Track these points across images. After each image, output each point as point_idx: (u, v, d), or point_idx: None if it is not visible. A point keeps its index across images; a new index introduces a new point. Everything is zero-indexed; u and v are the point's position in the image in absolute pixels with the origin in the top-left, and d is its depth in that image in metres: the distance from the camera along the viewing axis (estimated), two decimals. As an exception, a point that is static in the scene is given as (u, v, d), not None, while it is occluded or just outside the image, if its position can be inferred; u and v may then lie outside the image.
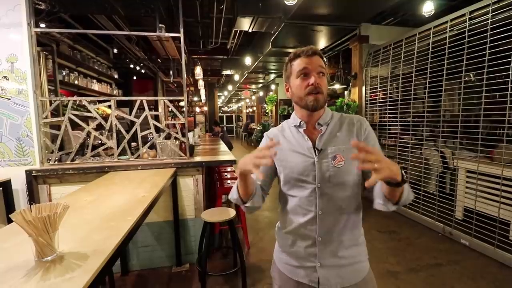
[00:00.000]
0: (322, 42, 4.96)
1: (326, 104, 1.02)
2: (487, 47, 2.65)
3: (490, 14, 2.64)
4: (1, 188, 2.29)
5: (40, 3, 2.80)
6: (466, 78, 3.12)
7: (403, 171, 0.77)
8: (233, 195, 0.98)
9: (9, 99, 2.34)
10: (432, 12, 3.58)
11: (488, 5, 2.65)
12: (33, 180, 2.35)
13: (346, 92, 5.80)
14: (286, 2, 3.06)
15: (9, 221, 2.29)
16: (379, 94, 4.44)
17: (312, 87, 0.92)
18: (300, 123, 0.99)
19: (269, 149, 0.77)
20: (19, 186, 2.39)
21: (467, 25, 2.88)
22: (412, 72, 3.66)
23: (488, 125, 3.31)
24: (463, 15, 2.92)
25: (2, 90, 2.32)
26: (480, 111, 2.80)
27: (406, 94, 3.83)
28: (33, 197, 2.35)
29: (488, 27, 2.64)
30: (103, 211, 1.37)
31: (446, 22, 3.12)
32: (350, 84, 5.11)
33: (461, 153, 3.29)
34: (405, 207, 3.83)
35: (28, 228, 0.86)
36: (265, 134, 1.10)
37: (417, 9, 3.81)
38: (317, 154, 0.94)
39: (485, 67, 2.69)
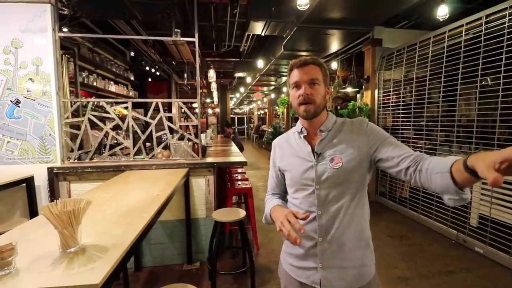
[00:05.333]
0: (334, 45, 4.95)
1: (332, 108, 1.05)
2: (504, 51, 2.60)
3: (507, 18, 2.59)
4: (24, 184, 2.42)
5: (63, 8, 2.95)
6: (483, 82, 3.06)
7: None
8: (268, 221, 1.07)
9: (34, 100, 2.47)
10: (447, 16, 3.52)
11: (505, 9, 2.61)
12: (54, 177, 2.48)
13: (358, 95, 5.76)
14: (299, 7, 3.10)
15: (32, 215, 2.42)
16: (392, 98, 4.40)
17: (301, 98, 0.97)
18: (301, 129, 1.05)
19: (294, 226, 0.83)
20: (41, 183, 2.51)
21: (483, 28, 2.83)
22: (426, 75, 3.61)
23: (505, 130, 3.23)
24: (479, 18, 2.88)
25: (28, 91, 2.45)
26: (497, 116, 2.74)
27: (420, 98, 3.78)
28: (54, 193, 2.48)
29: (505, 30, 2.59)
30: (120, 208, 1.44)
31: (462, 25, 3.08)
32: (363, 87, 5.07)
33: (476, 159, 3.21)
34: (417, 212, 3.77)
35: (54, 220, 0.93)
36: (273, 143, 1.19)
37: (432, 13, 3.76)
38: (316, 158, 0.99)
39: (502, 71, 2.64)
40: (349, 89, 6.19)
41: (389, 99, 4.46)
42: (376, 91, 4.68)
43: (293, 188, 1.05)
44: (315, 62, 0.98)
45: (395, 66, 4.22)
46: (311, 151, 1.01)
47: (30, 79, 2.46)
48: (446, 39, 3.28)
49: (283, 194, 1.15)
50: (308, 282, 1.00)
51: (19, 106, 2.45)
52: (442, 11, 3.49)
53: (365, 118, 1.04)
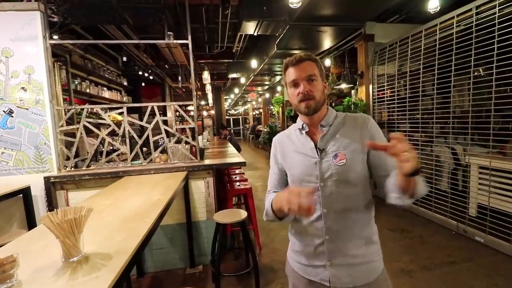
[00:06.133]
0: (327, 42, 4.97)
1: (327, 105, 1.05)
2: (495, 41, 2.63)
3: (497, 8, 2.62)
4: (21, 195, 2.38)
5: (53, 16, 2.91)
6: (476, 73, 3.10)
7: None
8: (269, 217, 1.05)
9: (27, 109, 2.43)
10: (438, 9, 3.55)
11: (495, -1, 2.64)
12: (51, 186, 2.44)
13: (353, 91, 5.78)
14: (291, 5, 3.10)
15: (30, 226, 2.39)
16: (386, 92, 4.42)
17: (301, 96, 0.96)
18: (302, 125, 1.04)
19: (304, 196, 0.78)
20: (38, 193, 2.47)
21: (474, 20, 2.85)
22: (420, 69, 3.64)
23: (499, 120, 3.27)
24: (470, 10, 2.90)
25: (20, 100, 2.41)
26: (491, 106, 2.77)
27: (414, 91, 3.81)
28: (51, 203, 2.44)
29: (496, 21, 2.62)
30: (121, 214, 1.43)
31: (453, 17, 3.10)
32: (357, 83, 5.09)
33: (472, 149, 3.25)
34: (416, 205, 3.80)
35: (55, 230, 0.92)
36: (273, 140, 1.17)
37: (422, 6, 3.79)
38: (319, 154, 0.98)
39: (494, 61, 2.66)
40: (344, 86, 6.22)
41: (383, 93, 4.49)
42: (371, 86, 4.71)
43: (294, 185, 1.03)
44: (310, 58, 0.98)
45: (388, 61, 4.24)
46: (314, 146, 0.99)
47: (23, 88, 2.42)
48: (437, 32, 3.31)
49: None
50: (317, 280, 0.99)
51: (12, 116, 2.41)
52: (433, 4, 3.52)
53: (369, 116, 1.03)
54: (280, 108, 10.66)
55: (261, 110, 17.17)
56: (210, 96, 9.09)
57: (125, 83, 6.49)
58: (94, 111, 2.67)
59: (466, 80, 3.13)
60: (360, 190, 0.97)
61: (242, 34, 4.85)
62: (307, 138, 1.02)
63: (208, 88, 7.92)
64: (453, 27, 3.10)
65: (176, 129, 2.77)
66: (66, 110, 2.70)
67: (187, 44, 2.76)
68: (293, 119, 10.19)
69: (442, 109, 3.63)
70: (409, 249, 2.91)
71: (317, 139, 1.00)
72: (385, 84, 4.38)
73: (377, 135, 0.98)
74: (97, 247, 1.04)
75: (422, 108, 3.74)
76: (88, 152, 2.64)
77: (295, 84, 0.98)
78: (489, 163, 2.87)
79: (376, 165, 0.96)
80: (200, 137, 3.66)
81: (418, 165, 0.74)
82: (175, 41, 2.98)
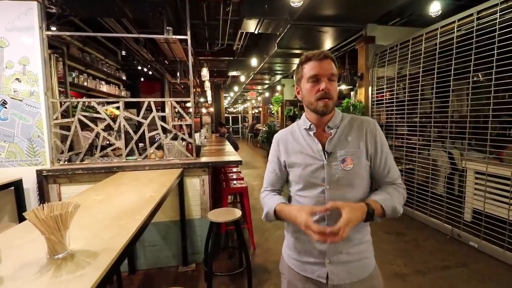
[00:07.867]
0: (328, 43, 4.94)
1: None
2: (496, 47, 2.62)
3: (498, 14, 2.60)
4: (12, 188, 2.35)
5: (51, 6, 2.86)
6: (475, 78, 3.09)
7: (370, 210, 0.88)
8: (270, 219, 1.05)
9: (21, 100, 2.40)
10: (439, 13, 3.54)
11: (496, 5, 2.62)
12: (44, 179, 2.41)
13: (352, 93, 5.77)
14: (292, 4, 3.07)
15: (20, 219, 2.35)
16: (385, 95, 4.41)
17: (322, 93, 0.93)
18: (310, 126, 1.01)
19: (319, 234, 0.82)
20: (30, 186, 2.44)
21: (475, 25, 2.84)
22: (419, 72, 3.63)
23: (497, 125, 3.26)
24: (471, 15, 2.89)
25: (14, 92, 2.38)
26: (489, 111, 2.76)
27: (413, 94, 3.80)
28: (43, 197, 2.41)
29: (497, 26, 2.61)
30: (112, 210, 1.40)
31: (454, 22, 3.09)
32: (357, 84, 5.08)
33: (469, 154, 3.25)
34: (412, 208, 3.80)
35: (40, 226, 0.89)
36: (274, 136, 1.14)
37: (424, 9, 3.78)
38: (326, 157, 0.96)
39: (493, 67, 2.66)
40: (343, 87, 6.21)
41: (382, 96, 4.48)
42: (370, 88, 4.69)
43: (299, 185, 1.01)
44: (332, 58, 0.96)
45: (388, 63, 4.22)
46: (321, 149, 0.98)
47: (17, 79, 2.39)
48: (438, 36, 3.29)
49: (281, 190, 1.13)
50: (313, 277, 1.00)
51: (5, 107, 2.38)
52: (434, 8, 3.51)
53: (375, 121, 1.04)
54: (280, 108, 10.64)
55: (260, 109, 17.15)
56: (209, 93, 9.06)
57: (124, 78, 6.44)
58: (91, 104, 2.62)
59: (465, 85, 3.12)
60: (361, 194, 0.98)
61: (243, 32, 4.81)
62: (314, 139, 1.00)
63: (207, 85, 7.88)
64: (454, 32, 3.09)
65: (173, 125, 2.74)
66: (62, 103, 2.66)
67: (186, 40, 2.73)
68: (292, 118, 10.17)
69: (440, 113, 3.62)
70: (403, 252, 2.90)
71: (324, 140, 0.99)
72: (385, 86, 4.36)
73: (379, 141, 0.99)
74: (84, 244, 1.02)
75: (420, 111, 3.74)
76: (83, 146, 2.61)
77: (316, 79, 0.93)
78: (486, 169, 2.87)
79: (372, 176, 1.02)
80: (197, 134, 3.64)
81: (358, 220, 0.85)
82: (173, 36, 2.95)
